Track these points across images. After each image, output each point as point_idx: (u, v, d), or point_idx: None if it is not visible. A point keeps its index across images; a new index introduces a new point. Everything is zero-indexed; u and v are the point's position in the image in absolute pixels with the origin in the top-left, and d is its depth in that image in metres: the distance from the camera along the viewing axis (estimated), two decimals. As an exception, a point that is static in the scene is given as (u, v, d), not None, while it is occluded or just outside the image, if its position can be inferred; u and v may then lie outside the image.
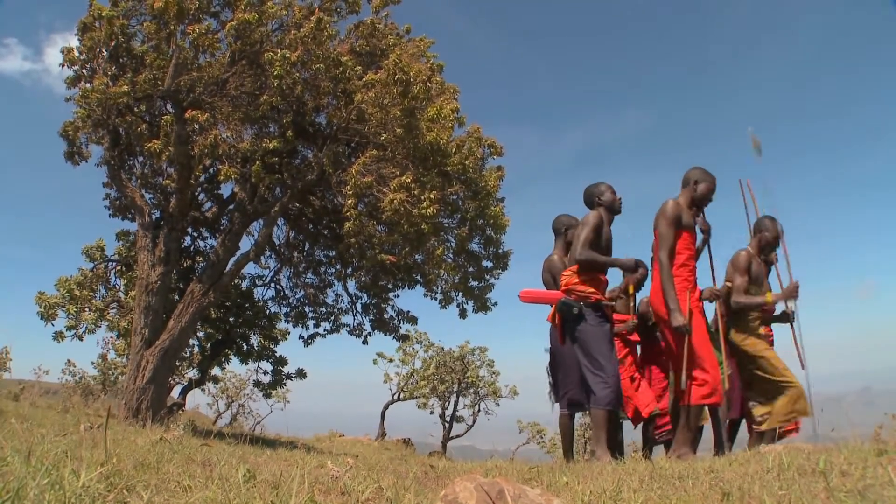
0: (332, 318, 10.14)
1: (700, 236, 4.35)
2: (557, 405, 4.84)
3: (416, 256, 8.06)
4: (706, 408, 4.13)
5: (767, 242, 4.72)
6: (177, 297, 8.22)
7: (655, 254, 4.12)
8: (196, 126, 6.72)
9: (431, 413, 18.30)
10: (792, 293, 4.58)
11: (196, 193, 8.63)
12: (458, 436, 18.25)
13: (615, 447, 4.77)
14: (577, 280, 4.35)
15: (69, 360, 14.25)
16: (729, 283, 4.59)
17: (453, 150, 7.37)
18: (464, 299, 8.92)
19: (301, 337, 10.16)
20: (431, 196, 6.78)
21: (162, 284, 7.34)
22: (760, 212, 4.83)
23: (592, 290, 4.31)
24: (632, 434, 6.16)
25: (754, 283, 4.59)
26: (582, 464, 3.84)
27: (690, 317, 3.90)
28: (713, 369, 3.89)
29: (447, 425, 18.20)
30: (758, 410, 4.41)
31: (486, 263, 8.77)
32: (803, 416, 4.28)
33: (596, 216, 4.39)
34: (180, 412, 9.39)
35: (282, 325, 10.56)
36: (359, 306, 10.02)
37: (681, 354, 3.89)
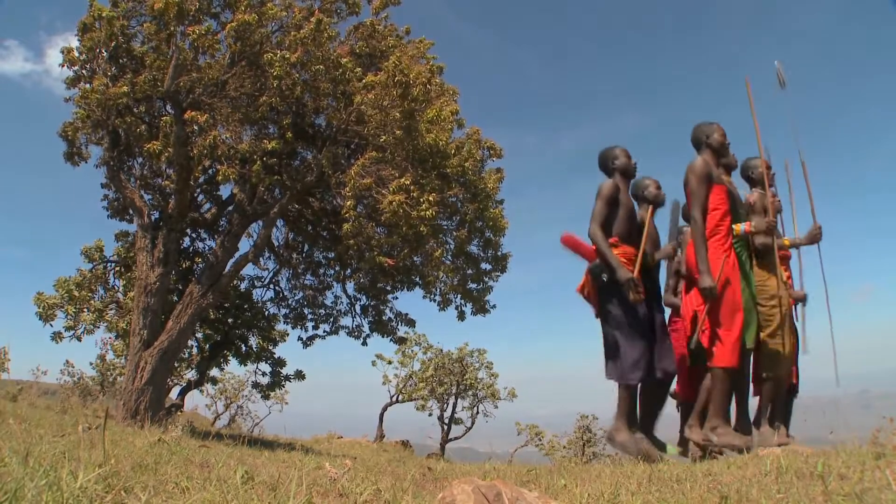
0: (331, 319, 10.15)
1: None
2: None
3: (415, 258, 8.06)
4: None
5: (762, 180, 4.57)
6: (175, 298, 8.22)
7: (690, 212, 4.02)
8: (195, 127, 6.73)
9: (430, 415, 18.32)
10: (814, 237, 4.45)
11: (195, 194, 8.63)
12: (456, 438, 18.24)
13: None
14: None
15: (68, 361, 14.24)
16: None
17: (452, 151, 7.37)
18: (462, 301, 8.92)
19: (300, 338, 10.18)
20: (430, 198, 6.78)
21: (161, 285, 7.34)
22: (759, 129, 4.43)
23: (623, 260, 4.14)
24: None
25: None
26: (580, 466, 3.84)
27: (725, 284, 3.83)
28: (732, 331, 3.81)
29: (446, 427, 18.19)
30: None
31: (485, 266, 8.78)
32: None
33: (610, 186, 4.24)
34: (179, 413, 9.37)
35: (280, 326, 10.56)
36: (357, 308, 10.04)
37: (703, 314, 3.86)
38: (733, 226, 4.12)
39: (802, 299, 4.64)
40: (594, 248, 4.21)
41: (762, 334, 4.18)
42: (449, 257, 8.32)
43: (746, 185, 4.76)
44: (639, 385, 4.15)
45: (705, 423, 3.95)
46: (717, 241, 3.96)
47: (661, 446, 4.27)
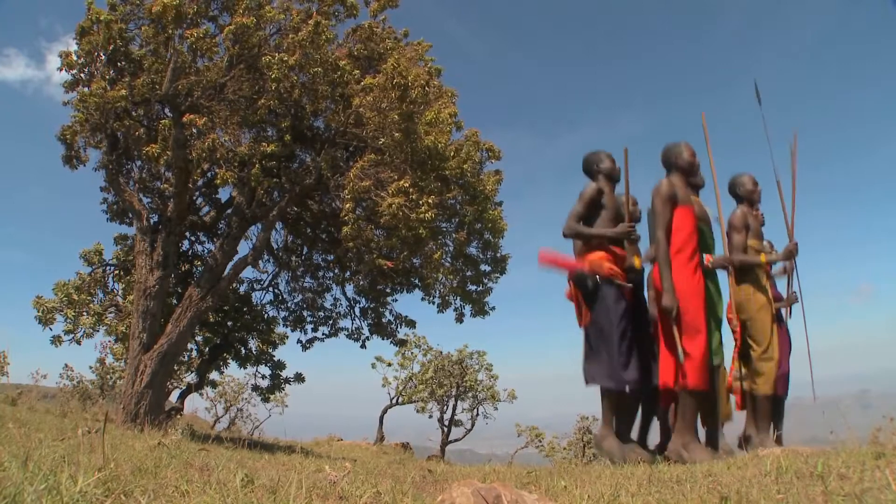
0: (331, 322, 10.14)
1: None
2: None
3: (414, 260, 8.06)
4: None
5: (749, 197, 4.67)
6: (175, 301, 8.21)
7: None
8: (194, 130, 6.74)
9: (430, 417, 18.30)
10: (790, 254, 4.57)
11: (194, 197, 8.64)
12: (456, 440, 18.22)
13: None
14: (588, 252, 4.18)
15: (67, 365, 14.23)
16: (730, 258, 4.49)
17: (451, 154, 7.38)
18: (462, 303, 8.92)
19: (299, 341, 10.18)
20: (429, 200, 6.79)
21: (160, 288, 7.33)
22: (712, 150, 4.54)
23: (609, 263, 4.12)
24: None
25: (755, 237, 4.54)
26: (580, 468, 3.83)
27: (688, 303, 3.85)
28: (698, 350, 3.81)
29: (446, 429, 18.17)
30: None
31: (484, 267, 8.78)
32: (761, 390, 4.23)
33: (593, 189, 4.24)
34: (178, 416, 9.36)
35: (280, 329, 10.56)
36: (357, 310, 10.04)
37: (669, 334, 3.87)
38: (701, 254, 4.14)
39: (794, 302, 4.76)
40: (574, 256, 4.21)
41: (756, 351, 4.24)
42: (448, 259, 8.33)
43: (733, 202, 4.77)
44: (635, 392, 4.07)
45: (675, 439, 3.92)
46: (683, 258, 3.97)
47: (654, 458, 4.18)
